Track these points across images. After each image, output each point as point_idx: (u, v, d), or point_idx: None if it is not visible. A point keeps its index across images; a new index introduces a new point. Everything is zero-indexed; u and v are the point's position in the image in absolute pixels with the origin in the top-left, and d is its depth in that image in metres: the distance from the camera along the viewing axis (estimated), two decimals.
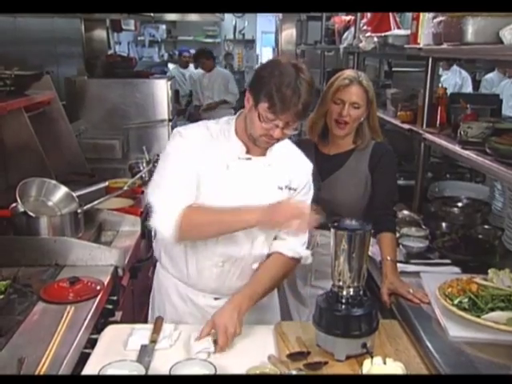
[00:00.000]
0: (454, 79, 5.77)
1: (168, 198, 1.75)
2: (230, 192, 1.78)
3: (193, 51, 7.66)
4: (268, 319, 2.01)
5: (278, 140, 1.75)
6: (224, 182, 1.79)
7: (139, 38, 9.47)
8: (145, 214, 2.79)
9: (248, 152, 1.81)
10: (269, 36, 10.39)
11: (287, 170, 1.86)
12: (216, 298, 1.94)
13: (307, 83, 1.65)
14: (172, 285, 1.98)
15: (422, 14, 2.46)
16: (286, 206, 1.70)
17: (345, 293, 1.66)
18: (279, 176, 1.84)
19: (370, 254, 2.37)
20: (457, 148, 2.25)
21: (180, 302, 1.97)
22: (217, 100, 6.80)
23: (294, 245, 1.90)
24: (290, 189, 1.85)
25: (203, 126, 1.86)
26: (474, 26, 1.87)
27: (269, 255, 1.91)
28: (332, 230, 1.65)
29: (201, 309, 1.95)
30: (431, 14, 2.27)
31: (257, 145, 1.78)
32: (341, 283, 1.66)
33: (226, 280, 1.90)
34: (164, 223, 1.74)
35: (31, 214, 2.28)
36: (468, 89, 5.21)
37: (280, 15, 8.14)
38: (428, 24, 2.35)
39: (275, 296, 2.13)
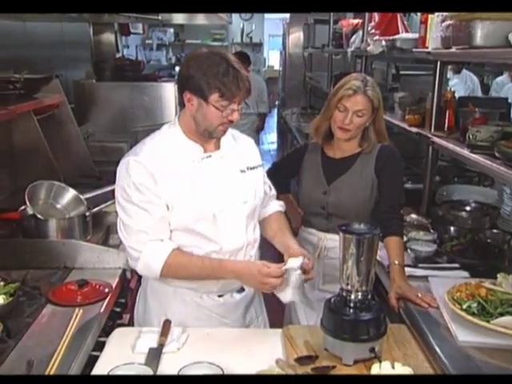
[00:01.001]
0: (465, 83, 5.75)
1: (149, 247, 1.79)
2: (200, 191, 1.81)
3: None
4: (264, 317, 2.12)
5: (234, 122, 1.81)
6: (194, 185, 1.81)
7: (147, 42, 9.52)
8: None
9: (205, 151, 1.86)
10: (276, 39, 10.44)
11: (241, 153, 1.94)
12: (220, 296, 1.95)
13: (236, 62, 1.73)
14: (172, 292, 1.94)
15: (430, 18, 2.45)
16: (257, 277, 1.75)
17: (353, 297, 1.66)
18: (237, 161, 1.92)
19: (377, 257, 2.37)
20: (465, 152, 2.24)
21: (182, 308, 1.94)
22: (252, 111, 6.35)
23: (278, 201, 2.14)
24: (251, 168, 1.94)
25: (150, 143, 1.87)
26: (482, 30, 1.87)
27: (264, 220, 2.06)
28: (340, 234, 1.65)
29: (205, 310, 1.95)
30: (440, 18, 2.27)
31: (214, 137, 1.84)
32: (349, 287, 1.66)
33: None
34: (147, 271, 1.83)
35: (40, 216, 2.29)
36: (479, 92, 5.20)
37: (287, 19, 8.15)
38: (436, 28, 2.34)
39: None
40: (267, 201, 2.09)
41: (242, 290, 1.99)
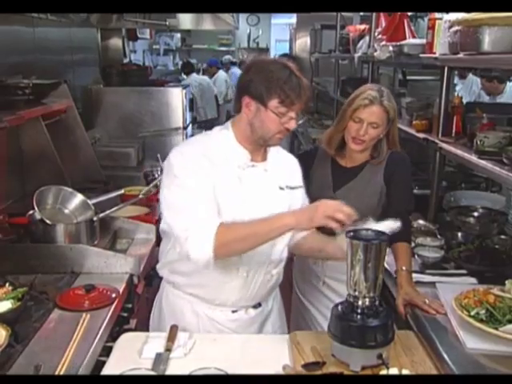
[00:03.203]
0: (471, 88, 5.75)
1: (198, 222, 1.70)
2: (242, 200, 1.79)
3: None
4: (281, 328, 2.06)
5: (289, 132, 1.80)
6: (236, 192, 1.79)
7: (154, 47, 9.58)
8: (159, 222, 2.81)
9: (252, 159, 1.84)
10: (283, 44, 10.45)
11: (283, 171, 1.92)
12: (234, 311, 1.93)
13: (295, 69, 1.74)
14: (186, 303, 1.94)
15: (437, 24, 2.45)
16: (323, 206, 1.66)
17: (360, 303, 1.65)
18: (278, 177, 1.89)
19: (386, 263, 2.37)
20: (473, 157, 2.24)
21: (195, 320, 1.93)
22: None
23: None
24: (290, 188, 1.90)
25: (198, 141, 1.88)
26: (490, 36, 1.87)
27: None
28: (347, 240, 1.64)
29: (217, 324, 1.93)
30: (447, 24, 2.27)
31: (269, 144, 1.84)
32: (356, 293, 1.65)
33: (248, 290, 1.89)
34: (199, 249, 1.69)
35: (48, 221, 2.29)
36: (484, 97, 5.22)
37: (294, 24, 8.18)
38: (444, 33, 2.34)
39: (281, 303, 2.14)
40: None
41: (258, 305, 1.96)
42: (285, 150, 2.02)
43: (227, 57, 10.22)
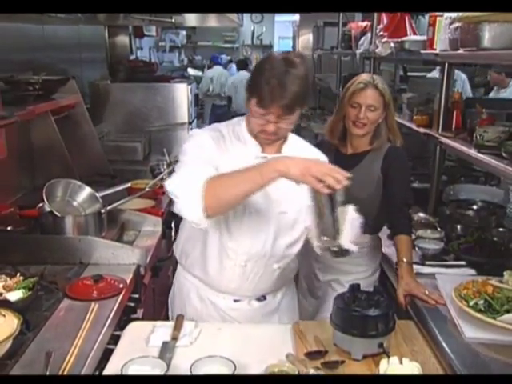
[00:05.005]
0: (456, 82, 5.76)
1: (188, 178, 1.65)
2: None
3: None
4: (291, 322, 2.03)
5: (275, 135, 1.74)
6: None
7: (160, 44, 9.60)
8: (165, 215, 2.86)
9: (263, 151, 1.82)
10: (286, 41, 10.46)
11: None
12: (236, 300, 1.95)
13: (296, 76, 1.64)
14: (193, 286, 2.00)
15: (438, 20, 2.48)
16: (318, 166, 1.55)
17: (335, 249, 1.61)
18: None
19: (386, 254, 2.41)
20: (473, 152, 2.27)
21: (199, 304, 1.99)
22: None
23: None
24: None
25: (215, 128, 1.86)
26: (490, 32, 1.89)
27: None
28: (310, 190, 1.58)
29: (220, 311, 1.97)
30: (448, 21, 2.30)
31: (260, 142, 1.80)
32: (325, 238, 1.61)
33: (247, 280, 1.91)
34: (189, 204, 1.62)
35: (57, 213, 2.32)
36: (468, 91, 5.26)
37: (297, 21, 8.20)
38: (444, 30, 2.36)
39: (295, 298, 2.15)
40: None
41: (263, 298, 1.96)
42: (311, 146, 1.96)
43: (223, 56, 10.53)
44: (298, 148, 1.87)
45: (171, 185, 1.68)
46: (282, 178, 1.55)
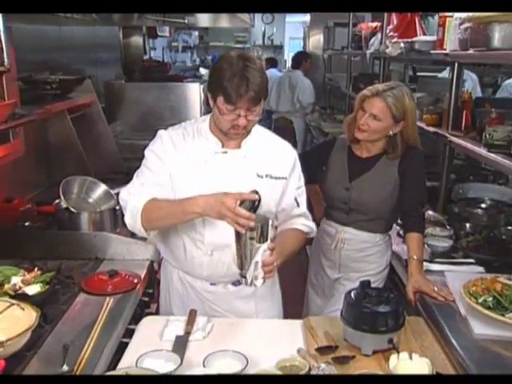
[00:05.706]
0: (466, 82, 5.72)
1: (133, 196, 1.86)
2: (208, 185, 1.80)
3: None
4: (271, 310, 2.08)
5: (245, 128, 1.80)
6: (202, 177, 1.86)
7: (173, 44, 9.63)
8: None
9: (223, 146, 1.88)
10: (296, 42, 10.47)
11: (266, 159, 1.91)
12: (212, 284, 2.00)
13: (255, 69, 1.72)
14: (175, 273, 2.04)
15: (448, 21, 2.49)
16: (230, 198, 1.62)
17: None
18: (258, 165, 1.89)
19: (395, 252, 2.43)
20: (482, 151, 2.27)
21: (182, 288, 2.04)
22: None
23: (307, 221, 2.01)
24: (271, 177, 1.90)
25: (180, 126, 1.97)
26: (500, 32, 1.90)
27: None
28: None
29: (198, 293, 2.02)
30: (458, 21, 2.31)
31: (230, 138, 1.85)
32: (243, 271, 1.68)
33: (216, 269, 1.95)
34: (132, 220, 1.85)
35: (73, 210, 2.37)
36: (477, 91, 5.23)
37: (308, 22, 8.21)
38: (454, 30, 2.36)
39: (275, 289, 2.14)
40: (290, 218, 2.00)
41: (237, 283, 1.97)
42: (282, 140, 2.01)
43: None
44: (257, 141, 1.93)
45: (122, 194, 1.91)
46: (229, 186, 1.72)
